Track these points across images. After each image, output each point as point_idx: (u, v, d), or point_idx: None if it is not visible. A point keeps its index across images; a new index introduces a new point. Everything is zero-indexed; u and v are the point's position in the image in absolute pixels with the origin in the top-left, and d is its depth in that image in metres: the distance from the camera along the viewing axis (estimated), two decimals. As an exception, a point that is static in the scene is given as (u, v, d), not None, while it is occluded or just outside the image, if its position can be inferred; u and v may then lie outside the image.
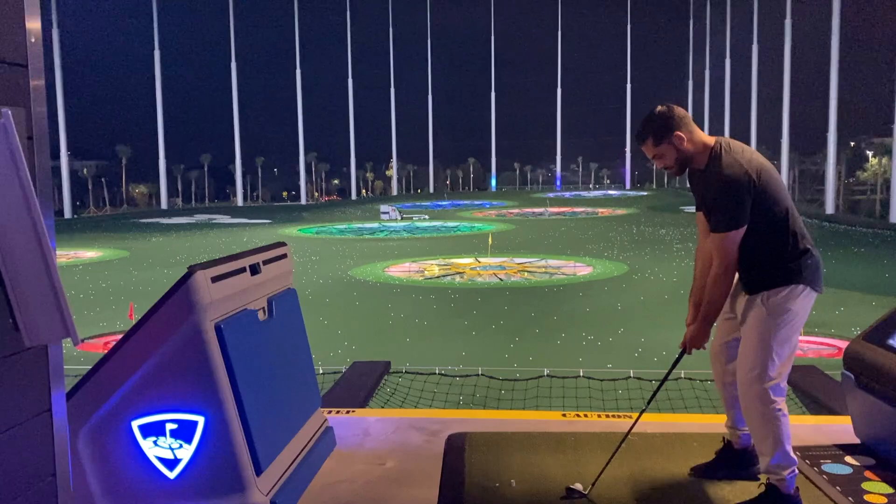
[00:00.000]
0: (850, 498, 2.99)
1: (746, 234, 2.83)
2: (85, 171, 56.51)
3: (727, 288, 2.93)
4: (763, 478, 2.94)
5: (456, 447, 3.59)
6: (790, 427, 2.90)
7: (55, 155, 47.42)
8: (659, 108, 2.96)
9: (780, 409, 2.86)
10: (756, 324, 2.89)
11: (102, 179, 58.26)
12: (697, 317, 3.03)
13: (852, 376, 3.46)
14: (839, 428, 3.80)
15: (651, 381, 7.67)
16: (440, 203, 50.71)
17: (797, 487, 2.89)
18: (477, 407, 7.14)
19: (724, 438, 3.28)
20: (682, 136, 2.88)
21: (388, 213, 40.05)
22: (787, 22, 42.49)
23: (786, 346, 2.88)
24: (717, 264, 2.87)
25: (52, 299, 1.41)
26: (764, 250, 2.88)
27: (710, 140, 2.93)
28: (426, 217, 39.50)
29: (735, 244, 2.83)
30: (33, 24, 1.62)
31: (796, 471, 2.88)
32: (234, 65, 57.96)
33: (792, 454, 2.87)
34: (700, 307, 3.03)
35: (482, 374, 8.19)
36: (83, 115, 53.12)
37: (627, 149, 68.98)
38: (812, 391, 6.36)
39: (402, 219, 38.51)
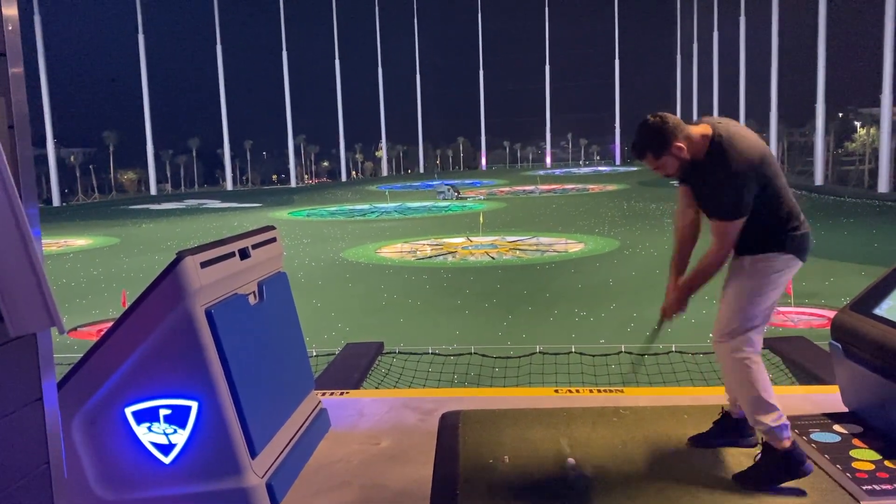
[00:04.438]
0: (838, 466, 3.03)
1: None
2: (72, 158, 55.94)
3: (719, 268, 2.97)
4: (759, 440, 2.97)
5: (450, 425, 3.61)
6: (777, 393, 2.93)
7: (42, 143, 46.94)
8: (651, 119, 2.88)
9: (751, 360, 2.92)
10: (736, 284, 2.98)
11: (90, 166, 57.71)
12: (678, 285, 3.06)
13: (840, 346, 3.49)
14: (827, 397, 3.84)
15: (643, 355, 7.73)
16: (431, 183, 50.57)
17: (792, 440, 2.87)
18: (471, 385, 7.18)
19: (721, 409, 3.31)
20: (682, 145, 2.84)
21: (443, 192, 36.53)
22: (775, -7, 42.26)
23: (762, 308, 2.94)
24: (716, 247, 2.90)
25: (36, 288, 1.41)
26: (756, 225, 2.90)
27: (707, 131, 2.88)
28: (481, 197, 37.61)
29: (736, 231, 2.86)
30: (10, 12, 1.60)
31: (783, 418, 2.87)
32: (219, 48, 57.38)
33: (772, 402, 2.87)
34: (679, 275, 3.07)
35: (475, 353, 8.22)
36: (68, 102, 52.56)
37: (617, 124, 68.88)
38: (801, 361, 6.42)
39: (457, 198, 36.05)
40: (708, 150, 2.85)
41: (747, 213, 2.83)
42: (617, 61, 68.30)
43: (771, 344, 7.64)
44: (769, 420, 2.87)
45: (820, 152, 38.82)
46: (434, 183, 41.75)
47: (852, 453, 3.15)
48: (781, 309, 10.86)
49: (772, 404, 2.88)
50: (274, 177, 69.34)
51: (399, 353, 8.31)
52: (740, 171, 2.79)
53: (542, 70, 69.83)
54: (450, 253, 19.28)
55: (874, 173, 35.84)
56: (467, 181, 41.36)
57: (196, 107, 60.88)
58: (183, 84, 61.06)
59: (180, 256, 2.64)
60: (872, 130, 39.10)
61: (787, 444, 2.85)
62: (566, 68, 69.50)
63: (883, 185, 33.19)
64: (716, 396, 3.73)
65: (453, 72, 71.31)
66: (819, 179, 38.78)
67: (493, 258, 18.21)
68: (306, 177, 69.31)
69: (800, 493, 2.83)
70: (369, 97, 66.55)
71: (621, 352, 7.83)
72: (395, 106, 68.11)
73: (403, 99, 68.06)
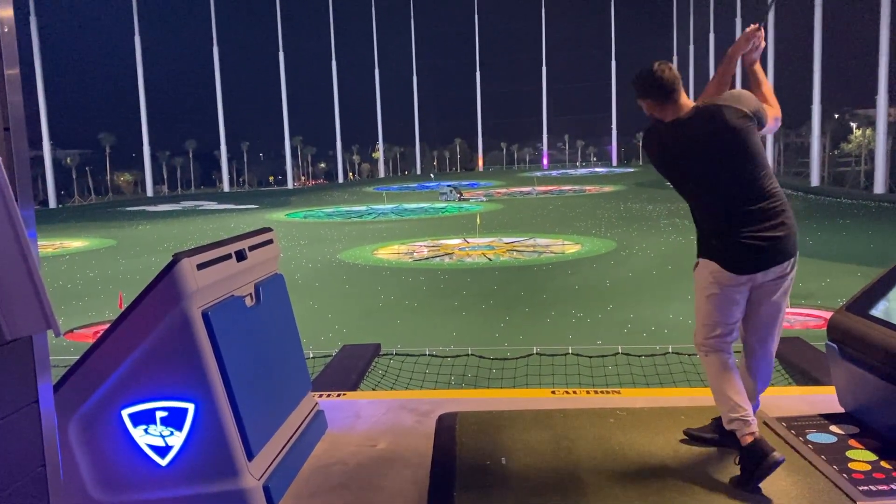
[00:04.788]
0: (834, 466, 3.04)
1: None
2: (68, 160, 55.77)
3: None
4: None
5: (447, 427, 3.62)
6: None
7: (38, 145, 46.85)
8: (652, 66, 3.05)
9: (713, 359, 3.07)
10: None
11: (87, 168, 57.57)
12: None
13: (836, 347, 3.50)
14: (824, 398, 3.85)
15: (640, 356, 7.74)
16: (427, 184, 50.59)
17: (755, 435, 2.89)
18: (467, 387, 7.18)
19: None
20: (647, 105, 3.10)
21: (446, 193, 37.32)
22: (771, -5, 42.38)
23: (706, 313, 3.10)
24: None
25: (31, 291, 1.40)
26: (695, 220, 3.14)
27: (684, 109, 3.03)
28: (483, 199, 37.87)
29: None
30: (5, 13, 1.59)
31: (741, 414, 2.92)
32: (215, 49, 57.33)
33: (733, 398, 2.96)
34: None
35: (472, 354, 8.21)
36: (65, 104, 52.47)
37: (613, 126, 68.93)
38: (798, 362, 6.43)
39: (459, 199, 36.58)
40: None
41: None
42: (613, 63, 68.38)
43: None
44: (728, 414, 2.96)
45: (816, 153, 38.90)
46: (436, 184, 41.88)
47: (849, 454, 3.15)
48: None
49: (731, 400, 2.97)
50: (271, 178, 69.28)
51: (396, 354, 8.30)
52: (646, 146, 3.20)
53: (538, 71, 69.88)
54: (447, 254, 19.29)
55: (870, 174, 35.92)
56: (464, 182, 41.48)
57: (193, 108, 60.84)
58: (179, 86, 61.03)
59: (177, 258, 2.64)
60: (868, 132, 39.19)
61: (748, 439, 2.89)
62: (563, 70, 69.59)
63: (879, 187, 33.26)
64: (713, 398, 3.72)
65: (450, 73, 71.37)
66: (815, 180, 38.83)
67: (490, 259, 18.22)
68: (303, 178, 69.28)
69: (795, 493, 2.84)
70: (366, 99, 66.59)
71: (618, 353, 7.83)
72: (392, 107, 68.16)
73: (400, 100, 68.11)
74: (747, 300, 3.09)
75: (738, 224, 2.94)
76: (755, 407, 3.25)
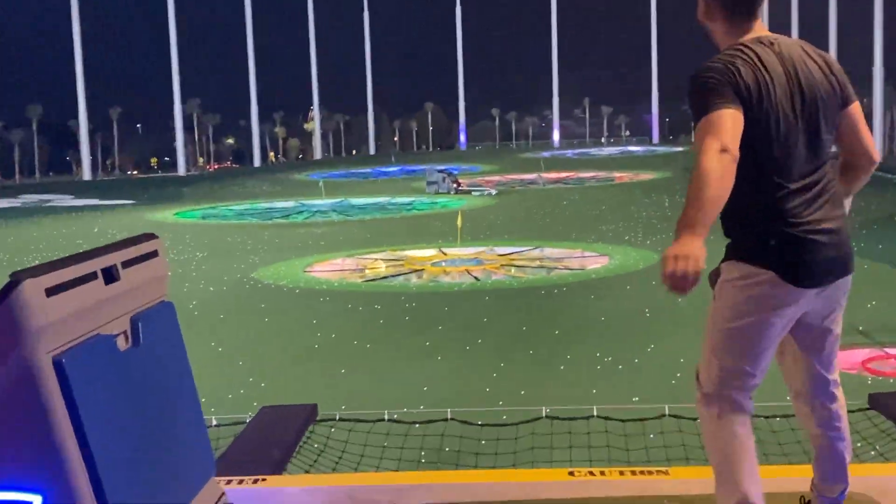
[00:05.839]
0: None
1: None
2: None
3: (707, 177, 2.82)
4: None
5: (416, 527, 3.61)
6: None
7: None
8: None
9: (716, 420, 3.05)
10: (711, 305, 3.14)
11: None
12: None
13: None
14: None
15: (695, 419, 7.77)
16: (385, 169, 50.68)
17: None
18: (446, 467, 7.17)
19: (801, 498, 3.34)
20: (708, 7, 3.11)
21: (436, 183, 37.87)
22: None
23: (729, 349, 3.07)
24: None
25: None
26: (737, 196, 2.85)
27: (736, 39, 3.03)
28: (492, 192, 37.92)
29: (711, 128, 2.81)
30: None
31: None
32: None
33: (738, 482, 2.97)
34: None
35: (452, 419, 8.22)
36: None
37: (654, 87, 69.47)
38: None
39: (456, 191, 37.20)
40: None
41: (717, 108, 2.81)
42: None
43: (878, 400, 7.73)
44: (726, 500, 3.00)
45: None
46: (398, 169, 41.96)
47: None
48: (889, 350, 11.01)
49: (738, 481, 2.97)
50: (153, 160, 69.11)
51: (340, 419, 8.28)
52: (708, 68, 2.92)
53: (546, 9, 70.42)
54: (414, 271, 19.32)
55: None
56: (440, 167, 41.44)
57: (39, 62, 60.53)
58: (21, 32, 60.73)
59: (16, 279, 2.61)
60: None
61: None
62: (581, 6, 70.26)
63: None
64: (798, 479, 3.75)
65: (418, 13, 71.77)
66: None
67: (477, 279, 18.27)
68: (201, 160, 69.16)
69: None
70: (295, 47, 66.67)
71: (665, 415, 7.87)
72: (335, 61, 68.29)
73: (346, 52, 68.27)
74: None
75: (805, 209, 2.92)
76: (845, 489, 3.25)
